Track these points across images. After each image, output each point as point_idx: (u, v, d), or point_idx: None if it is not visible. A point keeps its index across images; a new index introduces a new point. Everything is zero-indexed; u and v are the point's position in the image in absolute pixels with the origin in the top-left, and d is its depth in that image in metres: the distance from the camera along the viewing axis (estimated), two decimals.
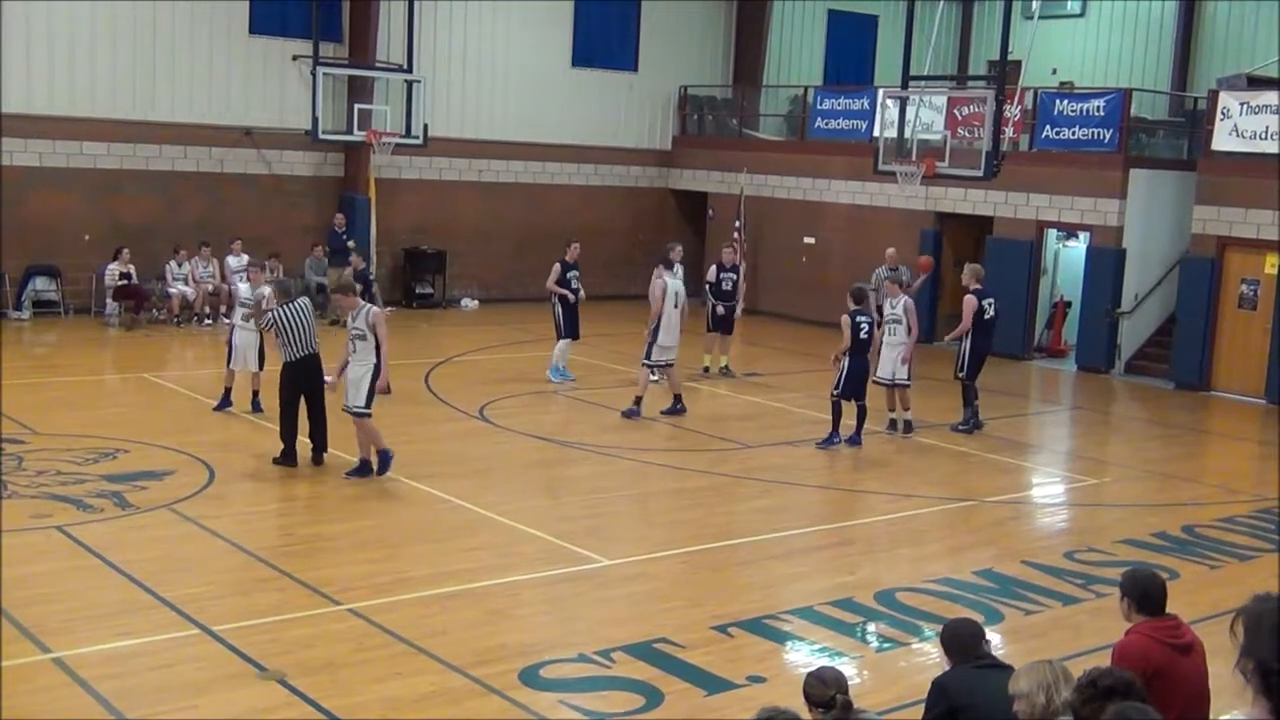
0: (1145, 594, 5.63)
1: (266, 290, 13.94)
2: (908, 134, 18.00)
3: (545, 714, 7.31)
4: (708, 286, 18.44)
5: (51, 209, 20.62)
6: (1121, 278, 20.58)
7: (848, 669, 8.31)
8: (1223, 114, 19.23)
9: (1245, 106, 18.99)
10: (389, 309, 23.18)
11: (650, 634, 8.54)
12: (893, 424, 15.30)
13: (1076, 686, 4.49)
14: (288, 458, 12.41)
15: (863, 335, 14.31)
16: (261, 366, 14.12)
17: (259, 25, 22.36)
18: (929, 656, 8.32)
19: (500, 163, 25.22)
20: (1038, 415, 18.36)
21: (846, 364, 14.31)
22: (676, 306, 15.59)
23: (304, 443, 12.24)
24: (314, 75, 21.56)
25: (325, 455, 12.57)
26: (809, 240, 24.76)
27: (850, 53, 29.15)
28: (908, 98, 18.01)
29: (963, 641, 5.56)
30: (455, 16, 24.37)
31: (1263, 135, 18.73)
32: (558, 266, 16.98)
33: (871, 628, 9.04)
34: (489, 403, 15.87)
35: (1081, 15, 27.89)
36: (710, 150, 26.89)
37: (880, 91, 21.88)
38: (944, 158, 17.67)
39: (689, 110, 27.58)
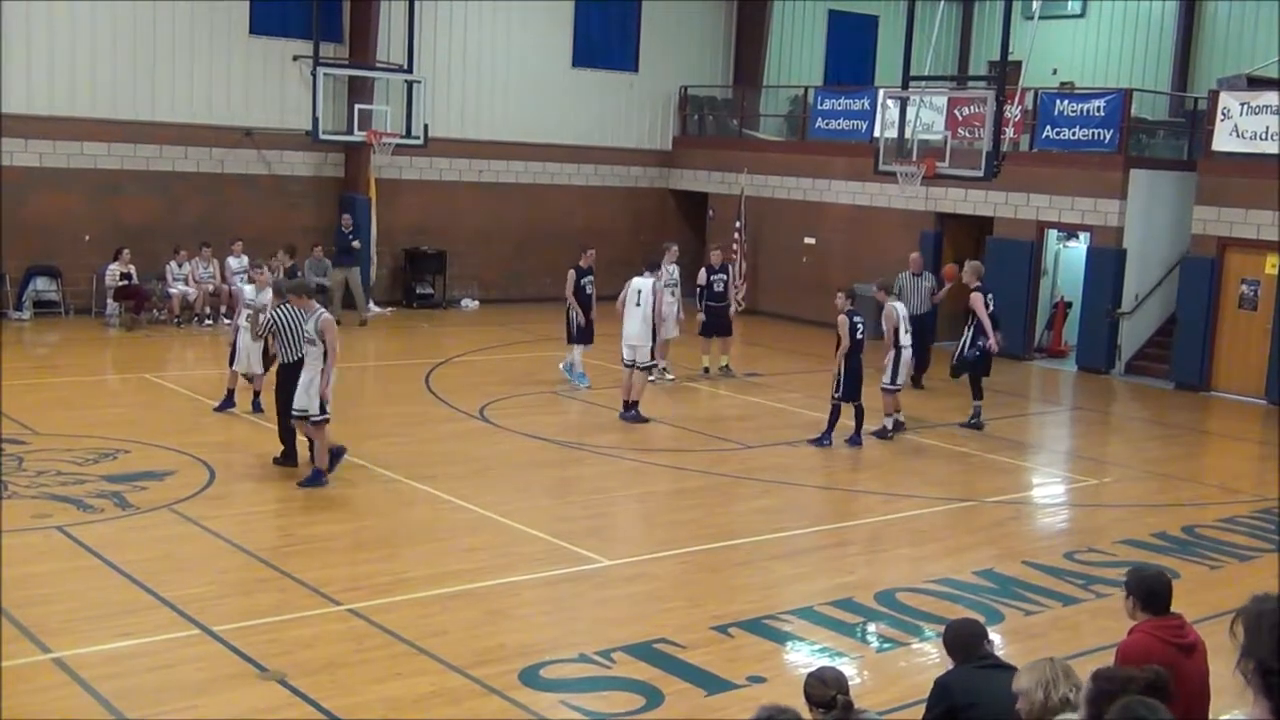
0: (1151, 593, 5.62)
1: (269, 293, 13.94)
2: (908, 134, 18.00)
3: (545, 714, 7.31)
4: (696, 289, 18.40)
5: (52, 209, 20.61)
6: (1122, 278, 20.57)
7: (848, 669, 8.31)
8: (1223, 114, 19.23)
9: (1245, 107, 18.99)
10: (389, 309, 23.32)
11: (650, 634, 8.54)
12: (897, 425, 15.27)
13: (1105, 677, 4.50)
14: (288, 458, 12.42)
15: (859, 335, 14.31)
16: (266, 368, 14.08)
17: (259, 25, 22.36)
18: (929, 657, 8.33)
19: (500, 163, 25.22)
20: (1038, 415, 18.35)
21: (844, 366, 14.31)
22: (639, 304, 15.49)
23: (304, 441, 12.22)
24: (314, 75, 21.57)
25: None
26: (809, 241, 24.76)
27: (850, 53, 29.15)
28: (908, 98, 18.02)
29: (965, 642, 5.56)
30: (455, 17, 24.37)
31: (1263, 136, 18.72)
32: (572, 273, 16.76)
33: (872, 628, 9.04)
34: (489, 403, 15.87)
35: (1082, 15, 27.89)
36: (710, 150, 26.90)
37: (880, 92, 21.89)
38: (944, 158, 17.68)
39: (689, 110, 27.58)
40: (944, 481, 13.58)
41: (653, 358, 15.32)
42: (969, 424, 15.73)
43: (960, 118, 18.33)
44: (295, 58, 22.50)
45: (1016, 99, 18.84)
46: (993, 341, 15.63)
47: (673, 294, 17.58)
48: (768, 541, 10.98)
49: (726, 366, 18.54)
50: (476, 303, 24.87)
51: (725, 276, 18.43)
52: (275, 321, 12.32)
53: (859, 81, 27.43)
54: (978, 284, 15.76)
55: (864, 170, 21.32)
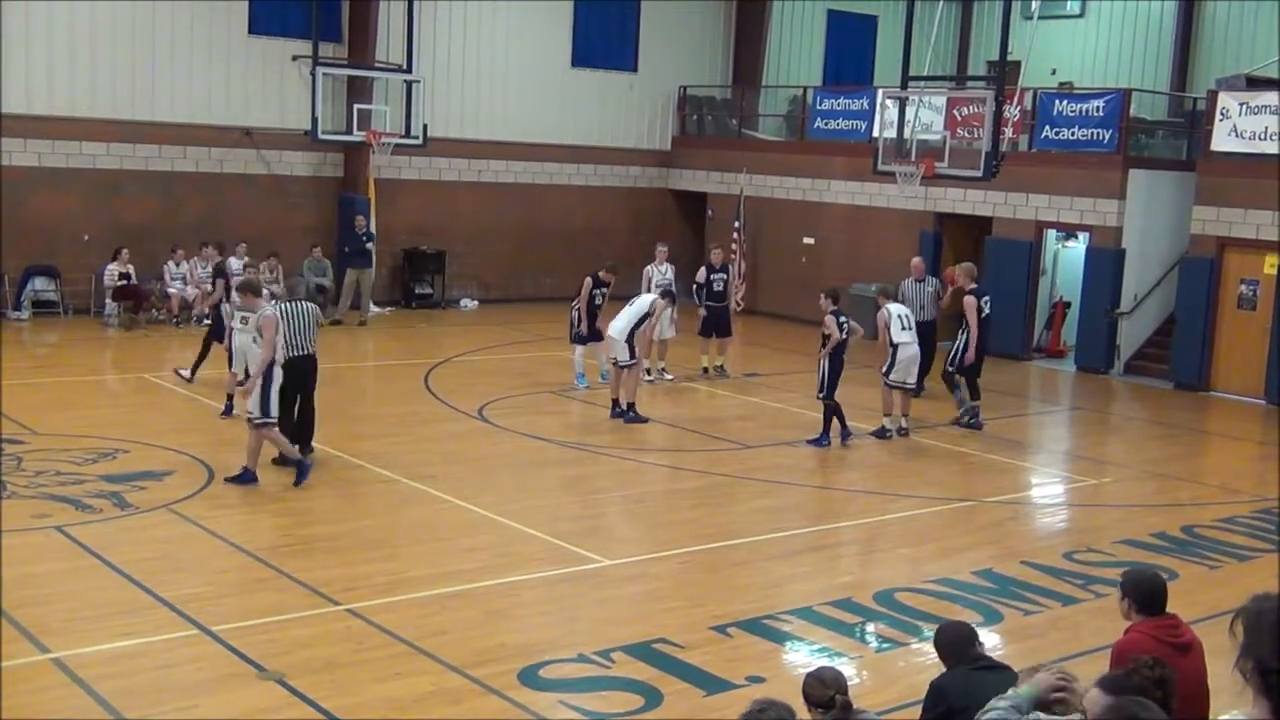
0: (1146, 594, 5.63)
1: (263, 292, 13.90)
2: (907, 134, 18.01)
3: (545, 714, 7.32)
4: (695, 288, 18.41)
5: (51, 209, 20.61)
6: (1121, 278, 20.58)
7: (847, 669, 8.31)
8: (1222, 114, 19.24)
9: (1244, 107, 19.00)
10: (388, 309, 23.32)
11: (650, 634, 8.54)
12: (900, 431, 15.28)
13: (1112, 679, 4.51)
14: (288, 457, 12.36)
15: (842, 335, 14.34)
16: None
17: (258, 25, 22.36)
18: (928, 657, 8.30)
19: (499, 163, 25.22)
20: (1037, 416, 18.36)
21: (827, 365, 14.33)
22: (630, 305, 15.68)
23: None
24: (313, 75, 21.57)
25: (311, 453, 12.51)
26: (808, 240, 24.77)
27: (850, 53, 29.16)
28: (907, 98, 18.03)
29: (956, 644, 5.55)
30: (455, 17, 24.37)
31: (1262, 136, 18.73)
32: (589, 281, 16.64)
33: (871, 628, 9.04)
34: (488, 403, 15.87)
35: (1081, 15, 27.91)
36: (710, 150, 26.90)
37: (880, 92, 21.90)
38: (943, 158, 17.69)
39: (688, 110, 27.59)
40: (943, 481, 13.59)
41: (632, 355, 15.24)
42: (968, 423, 15.71)
43: (959, 118, 18.34)
44: (294, 58, 22.50)
45: (1015, 99, 18.86)
46: (970, 354, 15.61)
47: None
48: (767, 541, 10.99)
49: (721, 367, 18.54)
50: (476, 303, 24.87)
51: (725, 276, 18.44)
52: (279, 318, 12.24)
53: (858, 81, 27.45)
54: (973, 286, 15.76)
55: (863, 170, 21.33)
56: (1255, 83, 20.11)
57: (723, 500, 12.32)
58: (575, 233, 25.97)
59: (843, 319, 14.40)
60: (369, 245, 22.23)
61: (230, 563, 9.69)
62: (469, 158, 24.85)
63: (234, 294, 14.15)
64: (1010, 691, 4.87)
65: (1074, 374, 20.97)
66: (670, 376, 17.89)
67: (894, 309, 15.10)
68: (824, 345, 14.41)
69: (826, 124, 24.92)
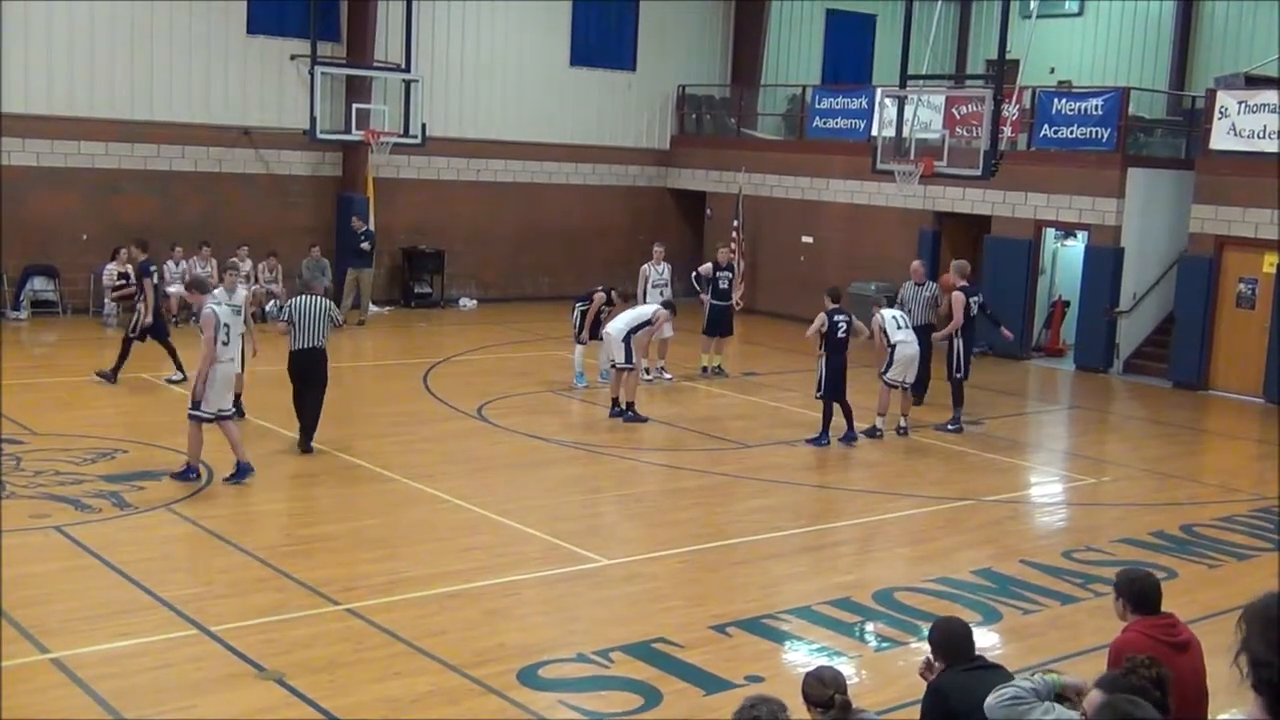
0: (1140, 593, 5.63)
1: (242, 292, 13.85)
2: (906, 133, 18.01)
3: (544, 714, 7.32)
4: (695, 277, 18.47)
5: (50, 209, 20.60)
6: (1119, 277, 20.58)
7: (846, 669, 8.31)
8: (1220, 113, 19.25)
9: (1243, 105, 19.00)
10: (387, 309, 23.32)
11: (649, 634, 8.54)
12: (896, 426, 15.29)
13: (1111, 678, 4.52)
14: (303, 445, 12.93)
15: (840, 334, 14.35)
16: (242, 369, 13.89)
17: (257, 25, 22.35)
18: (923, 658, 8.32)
19: (498, 162, 25.21)
20: (1036, 415, 18.36)
21: (824, 363, 14.34)
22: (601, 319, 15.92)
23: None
24: (312, 75, 21.57)
25: (311, 449, 12.87)
26: (807, 240, 24.77)
27: (848, 52, 29.16)
28: (906, 97, 18.03)
29: (958, 643, 5.49)
30: (453, 16, 24.37)
31: (1260, 134, 18.74)
32: (601, 297, 16.57)
33: (870, 627, 9.04)
34: (487, 402, 15.87)
35: (1080, 14, 27.90)
36: (709, 150, 26.90)
37: (879, 91, 21.89)
38: (942, 157, 17.69)
39: (687, 110, 27.58)
40: (942, 481, 13.59)
41: (628, 359, 15.25)
42: (956, 428, 15.61)
43: (958, 116, 18.35)
44: (293, 57, 22.50)
45: (1014, 98, 18.86)
46: (942, 332, 15.59)
47: (662, 293, 17.61)
48: (766, 541, 10.99)
49: (719, 367, 18.55)
50: (474, 302, 24.87)
51: (731, 275, 18.46)
52: (290, 309, 12.91)
53: (857, 80, 27.44)
54: (963, 283, 15.74)
55: (862, 169, 21.32)
56: (1254, 81, 20.10)
57: (722, 500, 12.32)
58: (574, 232, 25.98)
59: (839, 319, 14.40)
60: (364, 245, 22.21)
61: (229, 562, 9.68)
62: (468, 157, 24.85)
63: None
64: (1036, 676, 4.87)
65: (1073, 373, 20.97)
66: (669, 376, 17.89)
67: (886, 313, 15.17)
68: (820, 345, 14.43)
69: (825, 123, 24.92)
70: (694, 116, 27.75)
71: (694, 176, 27.02)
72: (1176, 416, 17.96)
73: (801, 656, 8.46)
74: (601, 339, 16.49)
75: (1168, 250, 20.78)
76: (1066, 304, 22.29)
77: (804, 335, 15.14)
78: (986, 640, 8.54)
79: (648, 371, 17.31)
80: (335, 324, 13.31)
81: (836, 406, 14.53)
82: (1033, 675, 4.90)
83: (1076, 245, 22.02)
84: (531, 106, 25.39)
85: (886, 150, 18.28)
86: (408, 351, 19.80)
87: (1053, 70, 26.50)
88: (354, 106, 22.30)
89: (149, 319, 15.82)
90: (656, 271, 18.06)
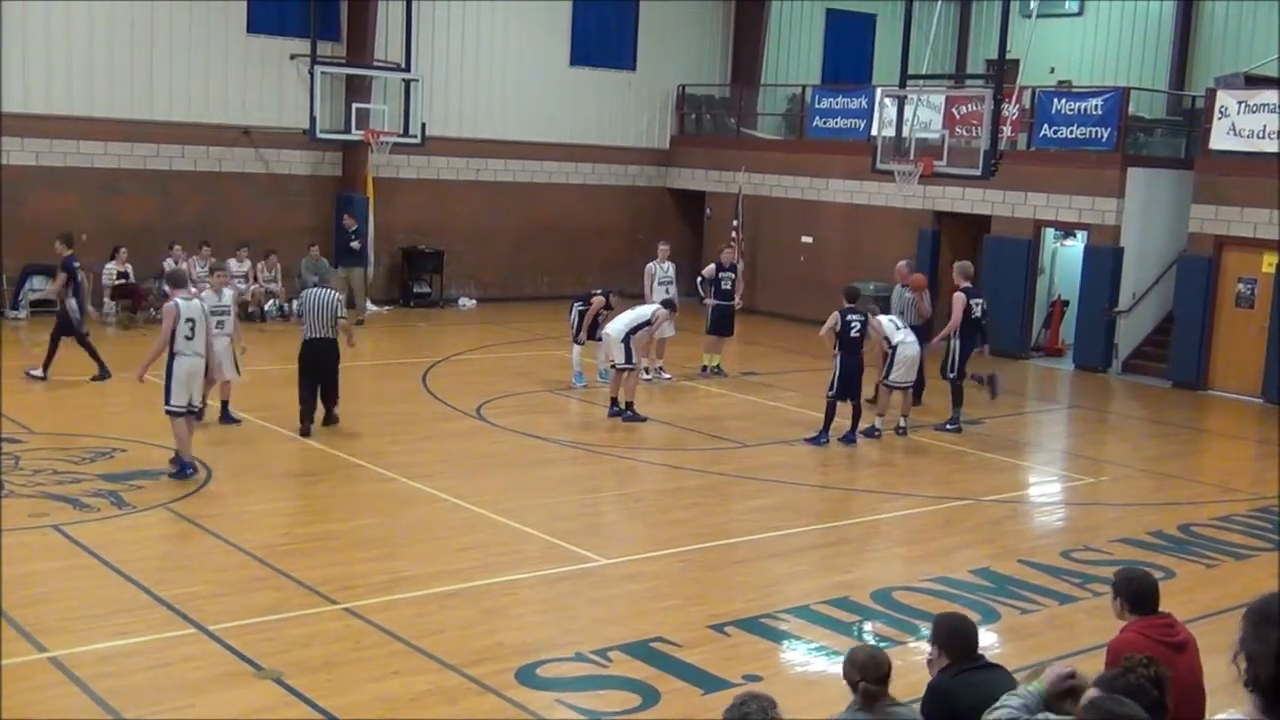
0: (1138, 593, 5.63)
1: (229, 294, 13.77)
2: (906, 133, 18.01)
3: (542, 713, 7.32)
4: (699, 281, 18.52)
5: (49, 208, 20.57)
6: (1119, 277, 20.59)
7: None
8: (1220, 113, 19.25)
9: (1243, 105, 19.00)
10: (386, 308, 23.31)
11: (647, 633, 8.55)
12: (895, 426, 15.30)
13: (1109, 678, 4.52)
14: (303, 430, 13.48)
15: (853, 334, 14.34)
16: (238, 372, 13.91)
17: (257, 24, 22.35)
18: (926, 655, 8.31)
19: (498, 162, 25.21)
20: (1035, 414, 18.36)
21: (839, 363, 14.33)
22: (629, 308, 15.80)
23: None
24: (312, 74, 21.58)
25: (337, 419, 13.88)
26: (807, 239, 24.77)
27: (848, 52, 29.16)
28: (906, 97, 18.03)
29: (965, 640, 5.45)
30: (453, 15, 24.37)
31: (1260, 134, 18.74)
32: (600, 301, 16.52)
33: (868, 626, 9.04)
34: (486, 402, 15.87)
35: (1080, 14, 27.90)
36: (708, 149, 26.90)
37: (878, 90, 21.90)
38: (942, 157, 17.69)
39: (687, 109, 27.58)
40: (940, 480, 13.59)
41: (628, 359, 15.25)
42: (955, 428, 15.62)
43: (958, 116, 18.35)
44: (293, 56, 22.50)
45: (1014, 97, 18.85)
46: (940, 333, 15.58)
47: (667, 291, 17.62)
48: (764, 540, 10.99)
49: (718, 367, 18.56)
50: (474, 301, 24.88)
51: (734, 275, 18.49)
52: (305, 299, 13.67)
53: (857, 80, 27.44)
54: (965, 284, 15.72)
55: (862, 169, 21.32)
56: (1254, 81, 20.11)
57: (721, 499, 12.32)
58: (573, 232, 25.98)
59: (852, 318, 14.39)
60: (354, 244, 22.16)
61: (227, 561, 9.68)
62: (467, 157, 24.85)
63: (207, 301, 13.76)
64: (1020, 688, 4.86)
65: (1072, 372, 20.97)
66: (668, 376, 17.89)
67: (884, 318, 15.20)
68: (834, 344, 14.43)
69: (825, 123, 24.92)
70: (694, 116, 27.75)
71: (694, 176, 27.02)
72: (1175, 416, 17.96)
73: (800, 656, 8.47)
74: (599, 340, 16.52)
75: (1167, 250, 20.78)
76: (1066, 303, 22.30)
77: (805, 336, 15.15)
78: (985, 640, 8.49)
79: (646, 371, 17.31)
80: (341, 316, 13.82)
81: (840, 407, 14.52)
82: (1020, 689, 4.88)
83: (1076, 245, 22.03)
84: (531, 106, 25.39)
85: (886, 150, 18.28)
86: (407, 351, 19.79)
87: (1052, 70, 26.50)
88: (354, 106, 22.31)
89: (78, 314, 15.83)
90: (662, 270, 18.06)
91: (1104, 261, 20.62)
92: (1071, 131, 21.02)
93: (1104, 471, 14.56)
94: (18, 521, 10.13)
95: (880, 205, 23.29)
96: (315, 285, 14.23)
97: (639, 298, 17.77)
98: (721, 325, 18.41)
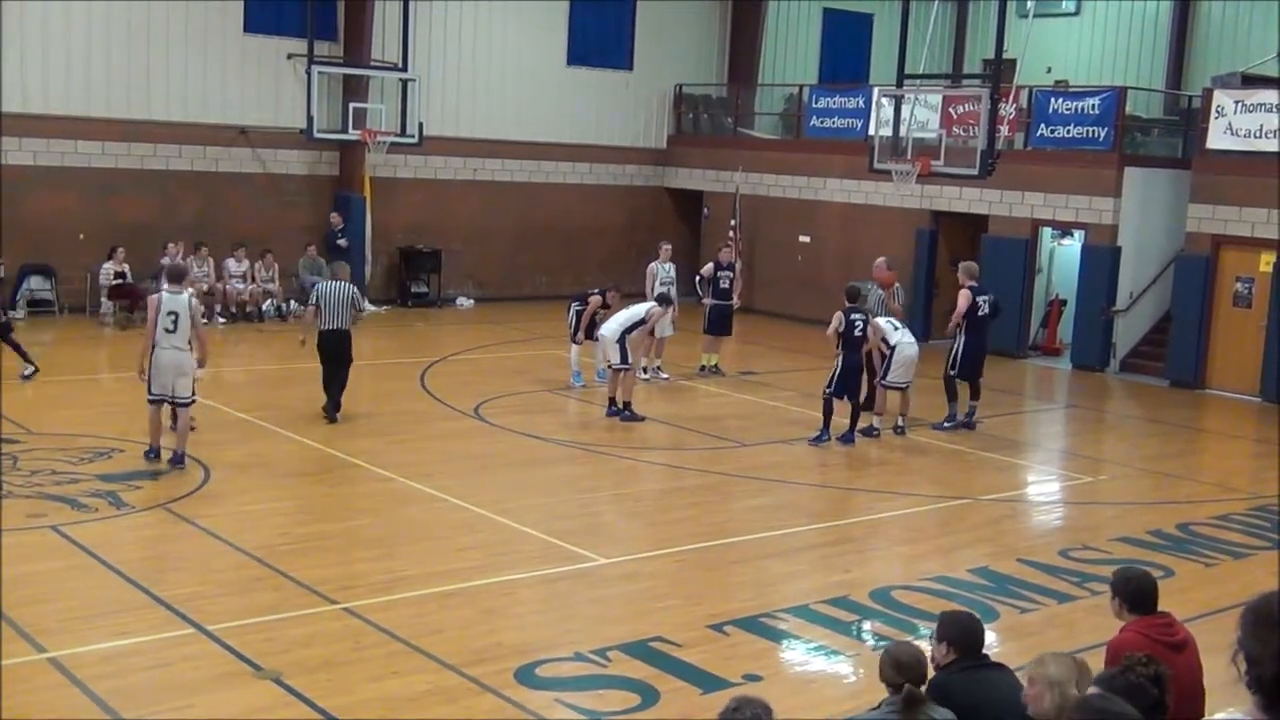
0: (1137, 593, 5.63)
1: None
2: (903, 132, 18.00)
3: (541, 713, 7.32)
4: (698, 280, 18.55)
5: (46, 208, 20.57)
6: (1116, 276, 20.60)
7: (843, 667, 8.34)
8: (1217, 112, 19.27)
9: (1240, 105, 19.02)
10: (383, 307, 23.30)
11: (646, 632, 8.54)
12: (897, 429, 15.30)
13: (1108, 677, 4.53)
14: (330, 417, 14.18)
15: (856, 333, 14.35)
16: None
17: (254, 24, 22.33)
18: (929, 653, 8.32)
19: (495, 161, 25.21)
20: (1033, 413, 18.38)
21: (840, 361, 14.33)
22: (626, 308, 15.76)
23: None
24: (309, 74, 21.56)
25: (339, 415, 14.26)
26: (804, 239, 24.77)
27: (845, 51, 29.16)
28: (903, 96, 18.03)
29: (973, 638, 5.48)
30: (450, 15, 24.36)
31: (1257, 133, 18.75)
32: (597, 300, 16.49)
33: (867, 626, 9.04)
34: (484, 401, 15.87)
35: (1076, 14, 27.92)
36: (705, 149, 26.90)
37: (875, 90, 21.90)
38: (939, 156, 17.68)
39: (684, 109, 27.58)
40: (939, 479, 13.60)
41: (623, 360, 15.26)
42: (963, 423, 15.67)
43: (955, 116, 18.36)
44: (290, 56, 22.48)
45: (1011, 97, 18.84)
46: (950, 327, 15.57)
47: (668, 291, 17.61)
48: (763, 540, 10.99)
49: (716, 366, 18.57)
50: (472, 301, 24.87)
51: (732, 274, 18.50)
52: (319, 293, 14.25)
53: (854, 80, 27.44)
54: (971, 283, 15.74)
55: (859, 168, 21.30)
56: (1251, 80, 20.13)
57: (719, 498, 12.33)
58: (571, 231, 25.98)
59: (855, 317, 14.38)
60: (340, 241, 22.12)
61: (226, 562, 9.68)
62: (465, 156, 24.84)
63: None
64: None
65: (1070, 372, 20.98)
66: (666, 376, 17.89)
67: (882, 319, 15.22)
68: (837, 344, 14.43)
69: (822, 122, 24.92)
70: (691, 116, 27.75)
71: (691, 176, 27.02)
72: (1173, 415, 17.97)
73: (799, 655, 8.47)
74: (597, 340, 16.52)
75: (1164, 249, 20.80)
76: (1063, 303, 22.31)
77: (803, 335, 15.14)
78: (984, 639, 8.53)
79: (644, 370, 17.32)
80: (358, 310, 14.53)
81: (839, 405, 14.52)
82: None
83: (1073, 244, 22.04)
84: (528, 106, 25.39)
85: (884, 150, 18.28)
86: (405, 350, 19.78)
87: (1049, 70, 26.50)
88: (351, 106, 22.30)
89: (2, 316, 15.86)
90: (664, 270, 18.06)
91: (1101, 261, 20.64)
92: (1068, 131, 21.04)
93: (1102, 470, 14.57)
94: (16, 522, 10.12)
95: (878, 205, 23.30)
96: (330, 279, 14.75)
97: (639, 296, 17.75)
98: (719, 325, 18.46)
